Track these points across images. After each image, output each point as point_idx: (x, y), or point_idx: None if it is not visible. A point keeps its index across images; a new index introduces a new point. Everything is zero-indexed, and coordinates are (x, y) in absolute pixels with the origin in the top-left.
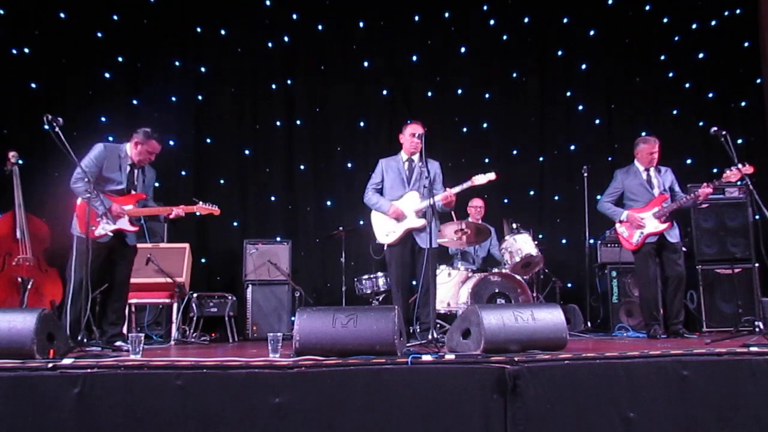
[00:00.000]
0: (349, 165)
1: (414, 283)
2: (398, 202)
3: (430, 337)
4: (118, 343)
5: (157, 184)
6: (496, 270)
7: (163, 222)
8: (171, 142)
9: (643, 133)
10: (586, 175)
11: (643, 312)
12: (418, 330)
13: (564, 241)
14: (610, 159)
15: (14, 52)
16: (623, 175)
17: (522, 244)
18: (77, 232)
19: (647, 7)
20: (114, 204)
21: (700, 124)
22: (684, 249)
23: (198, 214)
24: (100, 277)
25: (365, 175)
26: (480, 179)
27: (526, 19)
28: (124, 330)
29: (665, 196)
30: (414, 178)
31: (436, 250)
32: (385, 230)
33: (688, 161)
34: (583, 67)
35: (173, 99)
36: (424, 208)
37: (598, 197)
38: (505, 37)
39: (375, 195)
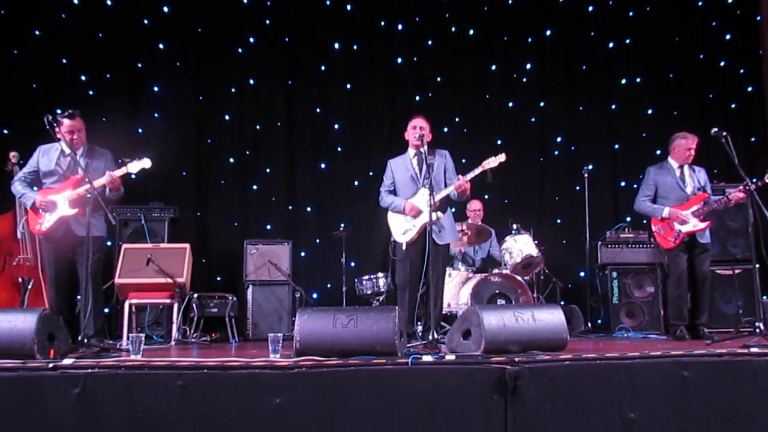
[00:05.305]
0: (350, 165)
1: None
2: (412, 200)
3: (430, 337)
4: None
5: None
6: (496, 271)
7: (110, 196)
8: (171, 143)
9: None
10: (586, 175)
11: (670, 311)
12: (420, 330)
13: (564, 241)
14: (610, 159)
15: (14, 52)
16: (656, 171)
17: (522, 245)
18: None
19: (648, 8)
20: (37, 196)
21: (701, 125)
22: None
23: (133, 176)
24: (73, 276)
25: (365, 175)
26: (491, 162)
27: (526, 20)
28: (125, 331)
29: (705, 195)
30: (423, 174)
31: (447, 247)
32: (402, 229)
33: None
34: (584, 67)
35: (174, 99)
36: (436, 202)
37: (636, 198)
38: (505, 38)
39: (389, 195)
